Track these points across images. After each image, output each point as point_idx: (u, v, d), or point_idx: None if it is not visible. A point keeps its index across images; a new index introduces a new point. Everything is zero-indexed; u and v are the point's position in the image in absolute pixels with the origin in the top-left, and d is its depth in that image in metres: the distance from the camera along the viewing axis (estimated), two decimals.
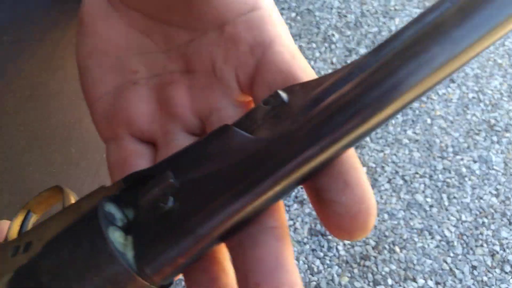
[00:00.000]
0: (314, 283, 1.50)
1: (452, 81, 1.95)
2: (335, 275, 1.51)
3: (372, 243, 1.58)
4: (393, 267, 1.53)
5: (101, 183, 0.45)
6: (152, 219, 0.22)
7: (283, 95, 0.22)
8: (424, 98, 1.90)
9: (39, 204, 0.29)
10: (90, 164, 0.42)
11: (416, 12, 2.19)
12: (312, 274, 1.52)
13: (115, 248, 0.21)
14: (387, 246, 1.57)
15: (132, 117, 0.27)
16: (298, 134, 0.20)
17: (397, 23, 2.15)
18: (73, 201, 0.27)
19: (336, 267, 1.53)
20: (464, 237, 1.58)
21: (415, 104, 1.88)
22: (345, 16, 2.19)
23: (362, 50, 2.05)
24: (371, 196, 0.20)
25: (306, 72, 0.24)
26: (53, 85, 0.35)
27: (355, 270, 1.52)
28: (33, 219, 0.29)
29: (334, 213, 0.20)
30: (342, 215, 0.20)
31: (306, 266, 1.53)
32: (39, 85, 0.34)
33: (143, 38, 0.28)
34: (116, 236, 0.22)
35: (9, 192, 0.36)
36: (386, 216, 1.64)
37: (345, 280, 1.50)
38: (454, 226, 1.62)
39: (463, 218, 1.63)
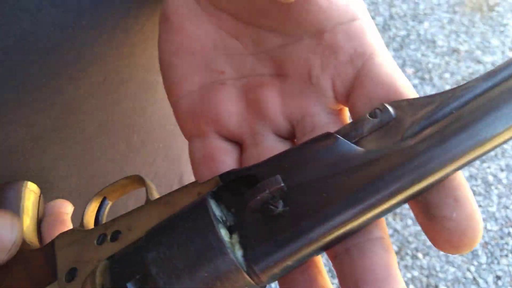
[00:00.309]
0: (335, 285, 1.49)
1: None
2: None
3: (395, 248, 1.56)
4: (416, 273, 1.51)
5: (156, 172, 0.45)
6: (261, 220, 0.22)
7: (391, 109, 0.23)
8: None
9: (114, 191, 0.29)
10: (149, 153, 0.43)
11: (446, 17, 2.17)
12: (333, 277, 1.51)
13: (227, 246, 0.21)
14: (410, 252, 1.56)
15: (220, 116, 0.28)
16: (415, 152, 0.21)
17: (426, 27, 2.13)
18: (154, 192, 0.27)
19: None
20: (489, 246, 1.56)
21: None
22: (373, 18, 2.17)
23: (390, 53, 2.03)
24: (479, 213, 0.21)
25: (407, 87, 0.24)
26: (124, 72, 0.35)
27: None
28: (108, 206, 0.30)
29: (443, 228, 0.21)
30: (452, 230, 0.21)
31: (327, 268, 1.52)
32: (112, 71, 0.34)
33: (231, 40, 0.28)
34: (223, 234, 0.22)
35: (77, 176, 0.36)
36: (410, 221, 1.62)
37: None
38: None
39: (488, 227, 1.60)
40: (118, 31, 0.33)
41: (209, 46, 0.29)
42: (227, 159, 0.27)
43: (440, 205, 0.21)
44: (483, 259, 1.54)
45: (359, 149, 0.22)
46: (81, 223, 0.27)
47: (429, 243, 1.57)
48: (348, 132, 0.23)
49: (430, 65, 2.00)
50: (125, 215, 0.26)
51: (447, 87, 1.93)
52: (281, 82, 0.27)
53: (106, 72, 0.34)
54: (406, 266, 1.52)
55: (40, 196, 0.31)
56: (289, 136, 0.28)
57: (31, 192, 0.29)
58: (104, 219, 0.29)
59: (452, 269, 1.51)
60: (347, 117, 0.27)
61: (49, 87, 0.31)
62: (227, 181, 0.24)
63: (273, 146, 0.27)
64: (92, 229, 0.26)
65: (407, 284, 1.48)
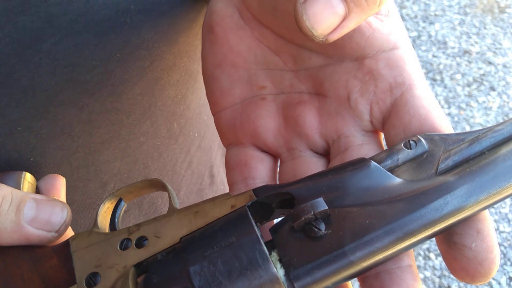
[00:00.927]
0: None
1: (493, 89, 1.92)
2: None
3: None
4: (428, 274, 1.50)
5: (190, 161, 0.45)
6: (303, 240, 0.23)
7: (425, 142, 0.24)
8: (463, 105, 1.88)
9: (130, 193, 0.29)
10: (186, 141, 0.42)
11: (457, 18, 2.17)
12: None
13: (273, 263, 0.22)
14: (422, 253, 1.55)
15: (258, 130, 0.29)
16: (453, 187, 0.23)
17: (437, 28, 2.13)
18: (176, 199, 0.27)
19: None
20: (502, 248, 1.55)
21: (454, 111, 1.86)
22: None
23: None
24: (497, 247, 0.22)
25: (443, 121, 0.25)
26: (168, 58, 0.35)
27: None
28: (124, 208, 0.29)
29: (462, 256, 0.22)
30: (470, 259, 0.22)
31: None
32: (157, 57, 0.34)
33: (272, 55, 0.29)
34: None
35: (120, 161, 0.36)
36: None
37: None
38: None
39: (501, 228, 1.60)
40: (164, 18, 0.33)
41: (251, 60, 0.30)
42: (260, 167, 0.29)
43: (463, 234, 0.23)
44: None
45: (396, 178, 0.24)
46: (95, 223, 0.27)
47: None
48: (383, 159, 0.25)
49: (441, 66, 2.00)
50: (150, 221, 0.26)
51: (459, 88, 1.93)
52: (320, 101, 0.28)
53: (152, 57, 0.34)
54: (418, 267, 1.51)
55: (36, 187, 0.30)
56: (325, 153, 0.29)
57: (28, 183, 0.29)
58: (120, 220, 0.28)
59: None
60: (382, 140, 0.28)
61: (99, 69, 0.31)
62: (261, 196, 0.25)
63: (309, 161, 0.28)
64: (112, 232, 0.26)
65: None
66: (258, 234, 0.22)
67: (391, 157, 0.24)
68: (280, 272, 0.22)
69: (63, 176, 0.34)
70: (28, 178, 0.29)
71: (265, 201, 0.25)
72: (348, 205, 0.23)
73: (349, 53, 0.27)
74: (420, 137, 0.24)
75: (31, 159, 0.31)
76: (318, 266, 0.22)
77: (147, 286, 0.23)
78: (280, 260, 0.22)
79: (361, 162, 0.24)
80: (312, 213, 0.22)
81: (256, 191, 0.25)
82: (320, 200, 0.23)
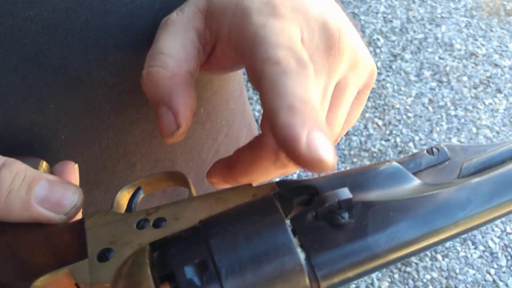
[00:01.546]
0: (354, 285, 1.48)
1: (499, 91, 1.92)
2: (375, 279, 1.49)
3: None
4: (435, 275, 1.50)
5: (217, 149, 0.44)
6: (325, 228, 0.22)
7: (447, 150, 0.25)
8: (470, 107, 1.87)
9: (148, 185, 0.29)
10: (213, 128, 0.42)
11: (463, 20, 2.17)
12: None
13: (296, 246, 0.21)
14: (428, 253, 1.54)
15: None
16: (477, 186, 0.23)
17: (443, 31, 2.13)
18: (193, 191, 0.27)
19: (376, 271, 1.51)
20: (509, 249, 1.55)
21: (461, 113, 1.85)
22: (391, 21, 2.17)
23: (408, 56, 2.03)
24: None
25: None
26: None
27: (396, 276, 1.50)
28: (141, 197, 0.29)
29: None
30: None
31: None
32: None
33: None
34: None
35: (148, 143, 0.36)
36: None
37: (385, 284, 1.48)
38: (499, 237, 1.58)
39: (508, 229, 1.59)
40: None
41: None
42: None
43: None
44: (503, 262, 1.52)
45: (419, 180, 0.24)
46: (111, 207, 0.26)
47: (448, 244, 1.56)
48: (406, 162, 0.25)
49: (447, 68, 2.00)
50: (170, 204, 0.25)
51: (465, 90, 1.93)
52: None
53: None
54: (425, 268, 1.51)
55: None
56: None
57: (44, 170, 0.29)
58: (137, 207, 0.28)
59: (471, 271, 1.50)
60: None
61: (128, 49, 0.31)
62: (283, 189, 0.24)
63: None
64: (129, 213, 0.25)
65: (426, 285, 1.47)
66: (282, 214, 0.22)
67: (414, 161, 0.25)
68: (301, 256, 0.21)
69: (93, 155, 0.34)
70: (44, 167, 0.29)
71: (286, 195, 0.25)
72: (372, 200, 0.23)
73: None
74: (443, 146, 0.25)
75: (62, 137, 0.31)
76: (340, 254, 0.22)
77: (164, 258, 0.22)
78: (301, 246, 0.22)
79: (385, 163, 0.25)
80: (337, 200, 0.22)
81: (278, 183, 0.25)
82: (345, 189, 0.23)
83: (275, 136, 0.21)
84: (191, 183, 0.27)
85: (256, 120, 0.57)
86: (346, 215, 0.22)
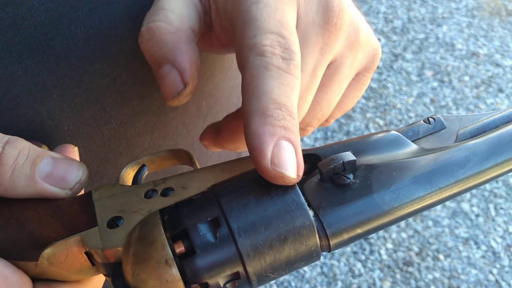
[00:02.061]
0: (355, 285, 1.48)
1: (501, 91, 1.92)
2: (377, 279, 1.49)
3: (416, 249, 1.55)
4: (437, 275, 1.49)
5: None
6: (331, 188, 0.23)
7: (443, 120, 0.27)
8: (471, 107, 1.87)
9: (151, 163, 0.29)
10: (214, 121, 0.42)
11: (464, 20, 2.17)
12: (353, 277, 1.49)
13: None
14: (431, 253, 1.54)
15: None
16: (474, 146, 0.24)
17: (444, 31, 2.13)
18: (198, 166, 0.27)
19: (378, 271, 1.50)
20: (511, 249, 1.54)
21: (463, 112, 1.85)
22: (392, 21, 2.17)
23: (409, 56, 2.03)
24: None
25: None
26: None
27: (398, 276, 1.50)
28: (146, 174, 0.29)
29: None
30: None
31: (347, 268, 1.51)
32: None
33: None
34: None
35: (150, 135, 0.36)
36: (430, 223, 1.61)
37: (387, 285, 1.48)
38: (501, 237, 1.58)
39: (511, 229, 1.59)
40: None
41: None
42: None
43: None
44: (506, 262, 1.52)
45: (417, 146, 0.25)
46: (117, 181, 0.26)
47: (450, 244, 1.55)
48: (404, 131, 0.26)
49: (449, 68, 2.00)
50: (177, 175, 0.25)
51: (467, 90, 1.92)
52: None
53: None
54: (427, 267, 1.51)
55: None
56: None
57: None
58: (143, 181, 0.28)
59: (474, 271, 1.50)
60: None
61: (132, 39, 0.31)
62: None
63: None
64: (136, 185, 0.25)
65: (428, 285, 1.47)
66: None
67: (412, 129, 0.26)
68: (309, 213, 0.22)
69: (96, 147, 0.33)
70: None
71: None
72: (375, 163, 0.24)
73: None
74: (439, 116, 0.26)
75: (65, 128, 0.31)
76: (348, 211, 0.22)
77: (176, 219, 0.22)
78: (309, 205, 0.22)
79: (384, 132, 0.26)
80: (341, 162, 0.23)
81: None
82: (349, 152, 0.24)
83: (246, 140, 0.22)
84: (195, 160, 0.27)
85: None
86: (351, 176, 0.23)
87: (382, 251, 1.55)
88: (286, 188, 0.22)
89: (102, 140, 0.33)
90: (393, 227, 1.59)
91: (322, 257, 1.54)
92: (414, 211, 0.23)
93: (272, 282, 1.48)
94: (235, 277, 0.21)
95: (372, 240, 1.57)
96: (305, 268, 1.51)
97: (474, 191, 1.68)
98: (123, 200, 0.24)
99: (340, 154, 0.23)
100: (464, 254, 1.54)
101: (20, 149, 0.24)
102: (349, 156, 0.23)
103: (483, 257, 1.53)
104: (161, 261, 0.21)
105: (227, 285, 0.21)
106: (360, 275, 1.50)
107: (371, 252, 1.55)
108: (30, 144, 0.25)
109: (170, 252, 0.21)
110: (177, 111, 0.37)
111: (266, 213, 0.21)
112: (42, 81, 0.29)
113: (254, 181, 0.23)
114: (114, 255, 0.22)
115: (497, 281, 1.48)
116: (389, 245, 1.56)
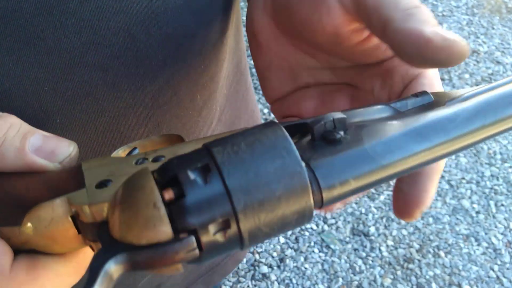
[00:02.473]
0: (356, 282, 1.48)
1: None
2: (378, 276, 1.49)
3: (416, 246, 1.55)
4: (438, 271, 1.50)
5: (211, 134, 0.44)
6: (323, 145, 0.23)
7: (431, 95, 0.28)
8: None
9: (143, 147, 0.29)
10: (209, 115, 0.42)
11: (465, 18, 2.17)
12: (354, 274, 1.50)
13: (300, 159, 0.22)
14: (431, 250, 1.54)
15: (301, 110, 0.34)
16: (463, 104, 0.26)
17: (445, 29, 2.13)
18: None
19: (379, 268, 1.50)
20: None
21: None
22: None
23: None
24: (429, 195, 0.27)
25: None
26: (191, 26, 0.35)
27: (398, 272, 1.50)
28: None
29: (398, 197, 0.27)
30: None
31: (348, 265, 1.51)
32: (179, 25, 0.34)
33: (310, 58, 0.33)
34: None
35: (144, 128, 0.36)
36: (430, 220, 1.61)
37: (387, 281, 1.48)
38: (502, 234, 1.58)
39: (511, 226, 1.59)
40: None
41: (294, 62, 0.34)
42: None
43: (403, 181, 0.27)
44: (507, 258, 1.52)
45: (401, 112, 0.26)
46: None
47: (451, 241, 1.55)
48: (394, 103, 0.27)
49: None
50: (168, 147, 0.25)
51: (467, 87, 1.92)
52: (352, 91, 0.33)
53: (174, 24, 0.34)
54: (428, 264, 1.51)
55: None
56: None
57: None
58: None
59: (475, 268, 1.50)
60: None
61: (123, 32, 0.31)
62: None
63: None
64: (127, 156, 0.25)
65: (429, 282, 1.47)
66: (282, 127, 0.23)
67: (400, 102, 0.27)
68: (299, 158, 0.22)
69: (89, 140, 0.34)
70: None
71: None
72: (365, 123, 0.25)
73: (372, 59, 0.31)
74: (428, 92, 0.27)
75: (57, 121, 0.31)
76: (340, 163, 0.22)
77: (165, 167, 0.22)
78: (302, 159, 0.22)
79: (373, 104, 0.27)
80: (332, 119, 0.23)
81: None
82: (339, 112, 0.24)
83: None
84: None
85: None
86: (341, 132, 0.23)
87: (383, 248, 1.55)
88: (277, 136, 0.22)
89: (95, 133, 0.33)
90: (394, 224, 1.59)
91: (323, 254, 1.54)
92: (405, 164, 0.23)
93: (274, 279, 1.48)
94: (225, 226, 0.20)
95: (372, 237, 1.57)
96: (306, 265, 1.51)
97: (474, 188, 1.68)
98: (113, 167, 0.24)
99: (330, 113, 0.24)
100: (465, 250, 1.54)
101: (11, 123, 0.25)
102: (339, 114, 0.24)
103: (484, 253, 1.53)
104: (149, 204, 0.20)
105: (217, 235, 0.20)
106: (361, 272, 1.50)
107: (372, 249, 1.55)
108: (22, 121, 0.25)
109: (159, 195, 0.20)
110: (171, 104, 0.37)
111: (256, 156, 0.21)
112: (33, 74, 0.29)
113: (246, 132, 0.22)
114: (101, 213, 0.22)
115: (498, 277, 1.48)
116: (390, 242, 1.56)
